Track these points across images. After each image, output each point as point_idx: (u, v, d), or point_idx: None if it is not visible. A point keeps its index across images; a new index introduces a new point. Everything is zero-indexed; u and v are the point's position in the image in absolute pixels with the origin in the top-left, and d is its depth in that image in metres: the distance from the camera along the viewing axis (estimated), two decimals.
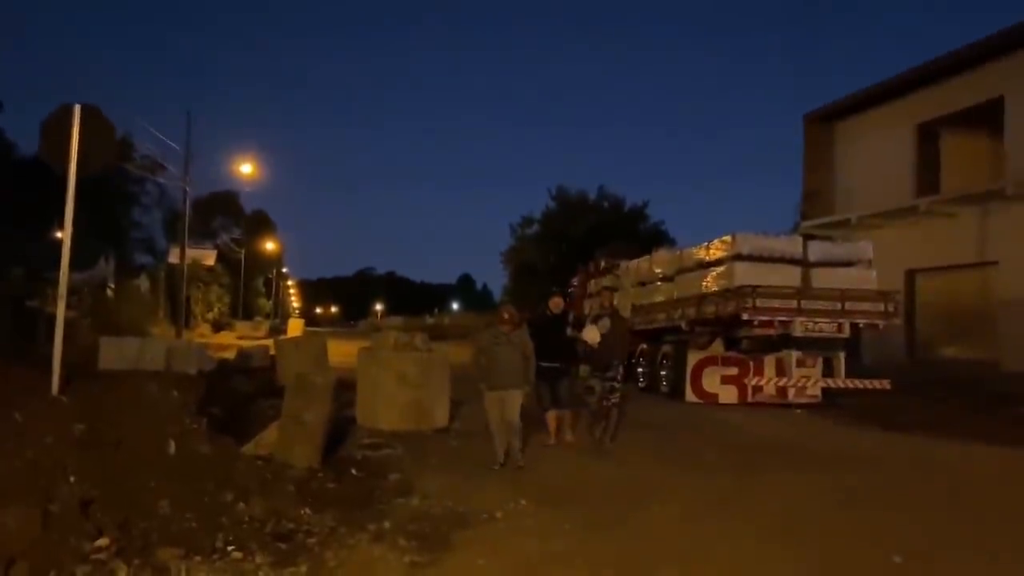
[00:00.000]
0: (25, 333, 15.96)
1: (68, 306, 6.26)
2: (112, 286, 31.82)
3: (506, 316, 7.98)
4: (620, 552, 5.31)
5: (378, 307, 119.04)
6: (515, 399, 7.80)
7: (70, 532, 4.58)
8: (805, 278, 13.90)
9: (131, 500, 5.05)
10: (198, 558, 4.76)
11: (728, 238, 14.26)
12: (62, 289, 6.20)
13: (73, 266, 6.31)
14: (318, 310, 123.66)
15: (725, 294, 13.80)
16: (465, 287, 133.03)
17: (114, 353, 12.31)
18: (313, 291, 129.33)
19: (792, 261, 13.98)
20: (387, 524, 5.75)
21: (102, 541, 4.63)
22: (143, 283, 36.06)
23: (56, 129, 5.72)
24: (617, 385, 8.83)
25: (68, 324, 6.36)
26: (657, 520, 6.12)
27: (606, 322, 8.92)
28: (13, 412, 5.20)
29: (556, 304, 9.45)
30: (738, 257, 13.83)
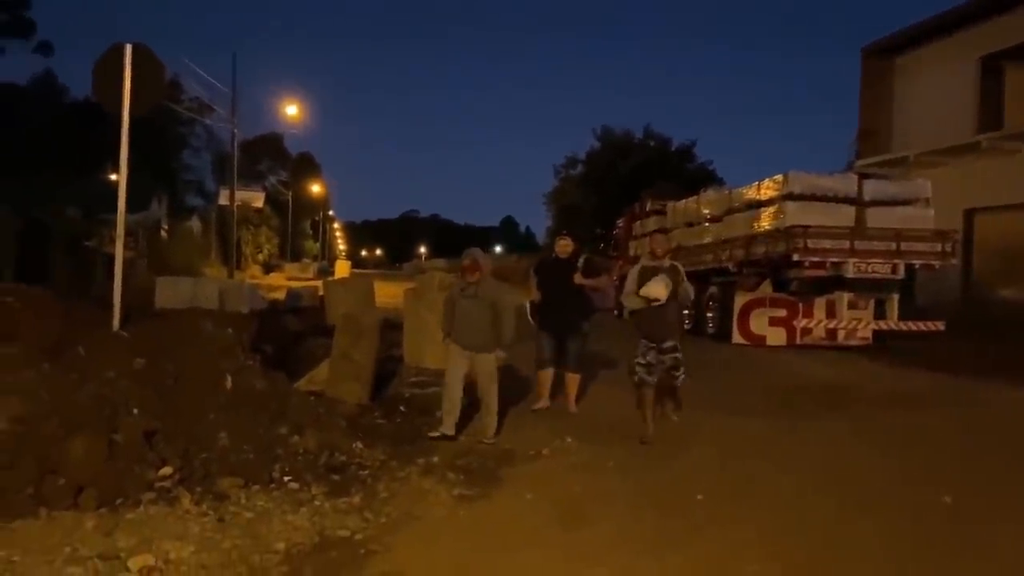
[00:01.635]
0: (83, 272, 16.45)
1: (124, 246, 6.41)
2: (165, 227, 32.56)
3: (467, 263, 6.58)
4: (660, 490, 5.36)
5: (422, 249, 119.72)
6: (486, 364, 6.59)
7: (134, 461, 4.78)
8: (859, 218, 13.56)
9: (191, 432, 5.24)
10: (256, 487, 4.95)
11: (779, 177, 13.93)
12: (120, 229, 6.35)
13: (128, 207, 6.43)
14: (363, 252, 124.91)
15: (775, 234, 13.56)
16: (508, 229, 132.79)
17: (170, 292, 12.65)
18: (358, 233, 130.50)
19: (846, 200, 13.63)
20: (435, 459, 5.89)
21: (165, 470, 4.83)
22: (195, 225, 36.84)
23: (108, 69, 5.78)
24: (681, 358, 6.91)
25: (125, 263, 6.52)
26: (699, 460, 6.14)
27: (665, 278, 6.70)
28: (77, 347, 5.39)
29: (564, 248, 7.77)
30: (789, 196, 13.53)
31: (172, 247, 29.35)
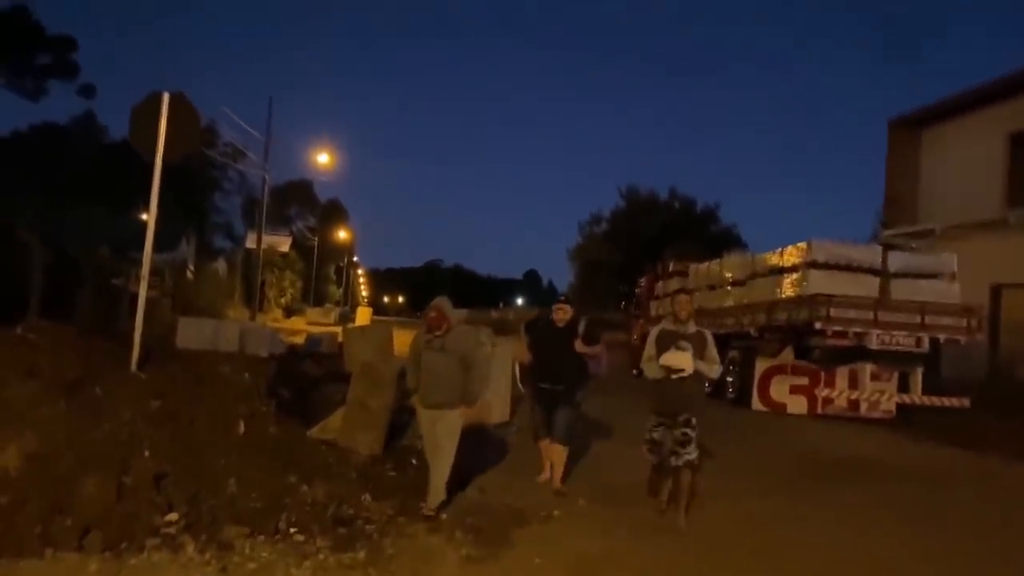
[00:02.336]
0: (108, 309, 16.65)
1: (150, 286, 6.51)
2: (192, 268, 33.00)
3: (432, 315, 5.96)
4: (674, 557, 5.23)
5: None
6: (450, 422, 5.93)
7: (142, 505, 4.77)
8: (884, 289, 13.44)
9: (201, 477, 5.22)
10: (261, 537, 4.89)
11: (803, 244, 13.89)
12: (145, 270, 6.45)
13: (156, 247, 6.54)
14: (385, 299, 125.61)
15: (798, 301, 13.46)
16: (531, 282, 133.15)
17: (191, 333, 12.74)
18: (382, 280, 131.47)
19: (870, 271, 13.54)
20: (444, 516, 5.80)
21: (172, 516, 4.80)
22: (221, 266, 37.31)
23: (145, 115, 5.95)
24: (692, 435, 5.99)
25: (149, 303, 6.61)
26: (714, 527, 6.01)
27: (690, 346, 5.99)
28: (95, 386, 5.43)
29: (562, 314, 7.05)
30: (813, 264, 13.47)
31: (197, 288, 29.70)
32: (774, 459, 9.20)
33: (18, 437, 4.79)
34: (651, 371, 6.08)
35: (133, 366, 5.89)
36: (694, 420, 5.98)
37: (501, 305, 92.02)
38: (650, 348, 6.15)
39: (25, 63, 38.05)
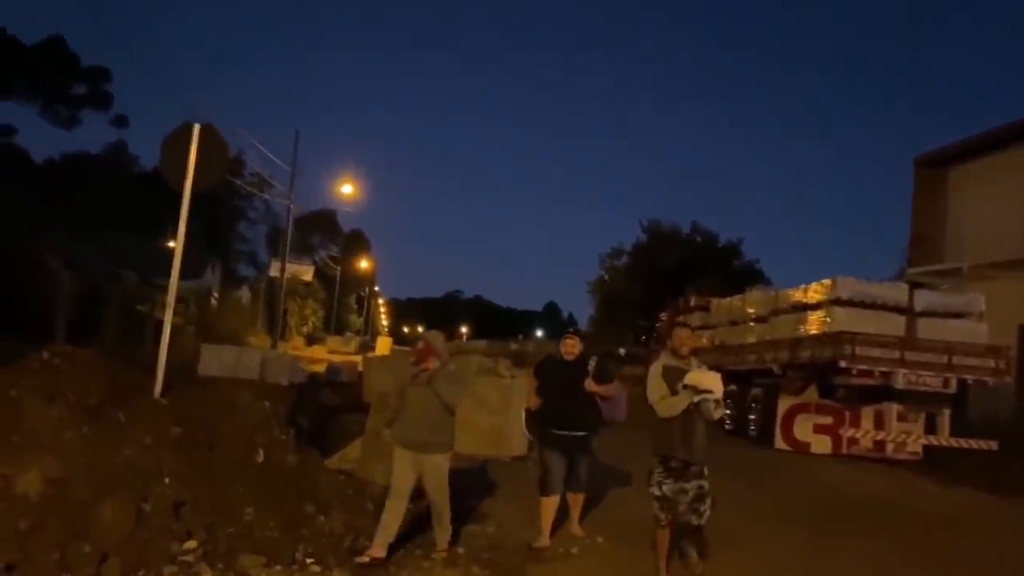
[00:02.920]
0: (133, 335, 16.85)
1: (175, 313, 6.58)
2: (216, 295, 33.34)
3: (421, 347, 5.65)
4: None
5: (464, 330, 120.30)
6: (437, 468, 5.53)
7: (161, 532, 4.77)
8: (910, 328, 13.25)
9: (219, 505, 5.22)
10: (278, 567, 4.88)
11: (828, 281, 13.77)
12: (171, 297, 6.52)
13: (182, 274, 6.62)
14: (405, 329, 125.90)
15: (822, 339, 13.31)
16: (550, 315, 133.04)
17: (214, 360, 12.87)
18: (402, 310, 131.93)
19: (896, 309, 13.37)
20: (461, 550, 5.75)
21: (190, 544, 4.80)
22: (244, 294, 37.70)
23: (175, 146, 6.07)
24: (707, 487, 5.28)
25: (173, 330, 6.67)
26: (733, 569, 5.89)
27: (718, 378, 5.30)
28: (117, 411, 5.46)
29: (571, 348, 6.35)
30: (838, 302, 13.33)
31: (221, 315, 30.01)
32: (796, 501, 9.03)
33: (40, 461, 4.81)
34: (668, 408, 5.16)
35: (156, 392, 5.92)
36: (706, 470, 5.26)
37: (520, 337, 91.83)
38: (659, 386, 5.27)
39: (60, 93, 39.02)
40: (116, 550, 4.53)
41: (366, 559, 5.19)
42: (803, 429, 13.67)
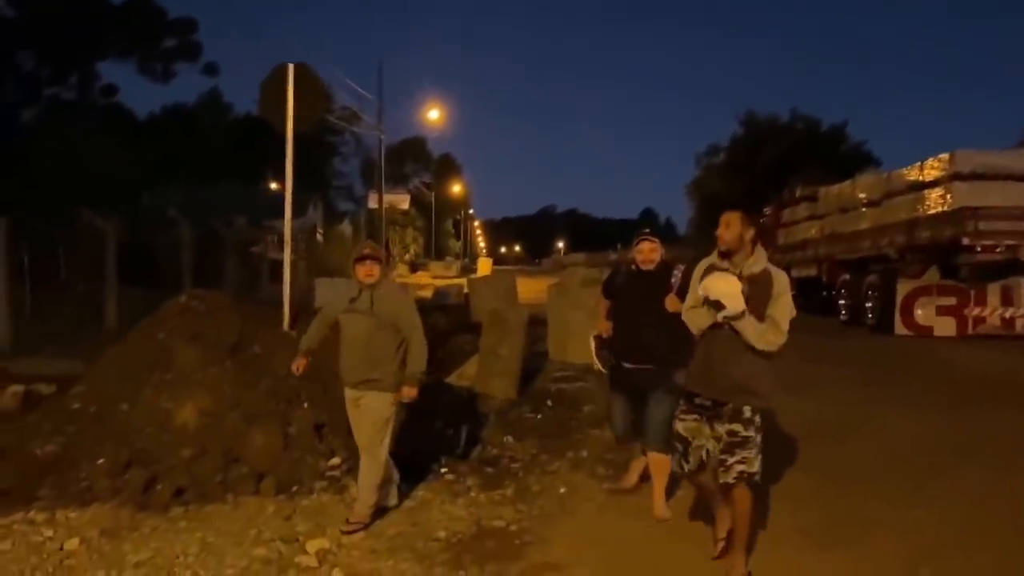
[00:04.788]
0: (250, 276, 17.75)
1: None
2: (321, 231, 34.50)
3: (367, 251, 4.54)
4: (819, 489, 5.13)
5: (560, 244, 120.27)
6: (374, 410, 4.44)
7: (307, 451, 5.16)
8: None
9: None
10: (415, 478, 5.20)
11: (945, 156, 12.99)
12: (287, 235, 6.85)
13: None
14: (503, 249, 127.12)
15: (941, 218, 12.68)
16: (647, 222, 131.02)
17: (328, 292, 13.40)
18: (497, 230, 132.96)
19: (1022, 178, 12.50)
20: (584, 453, 5.94)
21: (334, 460, 5.18)
22: (346, 228, 38.80)
23: (273, 89, 6.25)
24: (750, 435, 3.68)
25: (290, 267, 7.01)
26: (861, 458, 5.84)
27: (735, 282, 3.63)
28: (252, 347, 5.86)
29: (649, 253, 4.71)
30: (957, 176, 12.60)
31: (327, 250, 31.08)
32: (919, 386, 8.78)
33: (193, 396, 5.25)
34: (690, 322, 3.85)
35: (285, 325, 6.29)
36: (750, 412, 3.67)
37: (619, 247, 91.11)
38: (692, 291, 3.87)
39: (153, 48, 40.36)
40: (270, 470, 4.93)
41: (356, 526, 4.32)
42: (925, 312, 13.20)
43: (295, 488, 4.87)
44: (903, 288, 13.35)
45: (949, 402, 7.78)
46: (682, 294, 4.24)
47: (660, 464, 4.62)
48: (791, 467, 5.54)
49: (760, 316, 3.59)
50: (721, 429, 3.68)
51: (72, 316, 11.85)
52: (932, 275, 13.43)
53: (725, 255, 3.71)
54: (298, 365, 4.70)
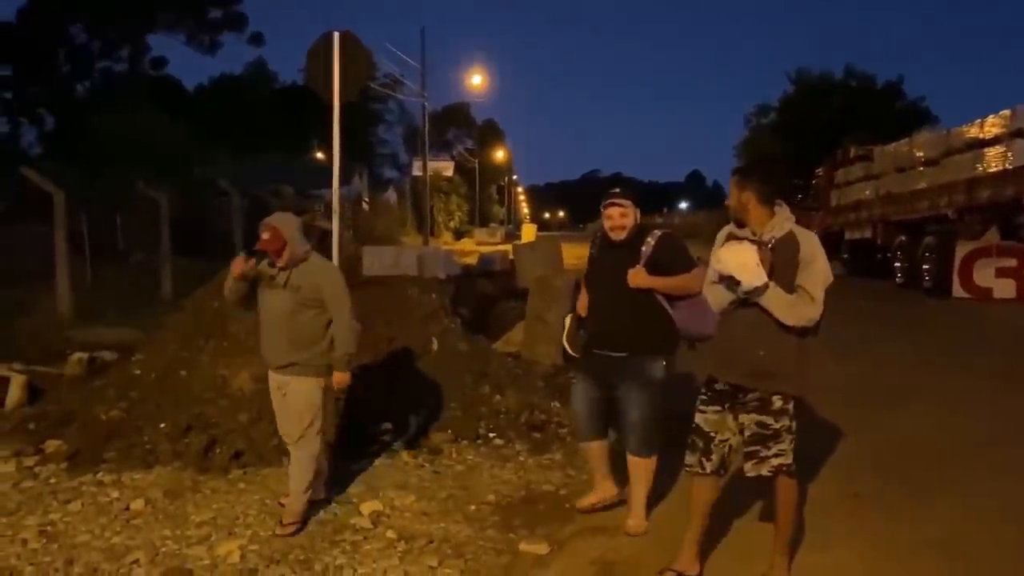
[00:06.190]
0: None
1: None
2: (367, 200, 34.76)
3: (266, 236, 3.93)
4: (875, 455, 5.06)
5: None
6: (299, 395, 4.04)
7: (360, 417, 5.26)
8: None
9: (405, 391, 5.66)
10: (465, 442, 5.28)
11: (1007, 112, 12.49)
12: (335, 204, 6.92)
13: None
14: (546, 215, 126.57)
15: (1003, 176, 12.23)
16: (694, 184, 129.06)
17: (375, 260, 13.52)
18: (541, 196, 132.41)
19: None
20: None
21: (386, 425, 5.28)
22: (391, 196, 39.01)
23: (320, 57, 6.27)
24: (780, 425, 3.23)
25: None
26: (916, 423, 5.74)
27: (751, 251, 3.17)
28: None
29: (619, 219, 3.91)
30: (1019, 134, 12.10)
31: (373, 218, 31.34)
32: (978, 350, 8.56)
33: (247, 363, 5.38)
34: (715, 297, 3.35)
35: None
36: (780, 401, 3.23)
37: (665, 210, 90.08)
38: (714, 261, 3.35)
39: (199, 20, 40.79)
40: (324, 435, 5.04)
41: (285, 533, 3.91)
42: (984, 274, 12.82)
43: (349, 451, 4.98)
44: (962, 249, 12.96)
45: (1005, 366, 7.57)
46: (653, 266, 3.78)
47: (639, 469, 3.95)
48: (841, 435, 5.47)
49: (788, 287, 3.13)
50: (747, 419, 3.25)
51: (130, 285, 12.22)
52: (992, 236, 12.99)
53: (740, 224, 3.30)
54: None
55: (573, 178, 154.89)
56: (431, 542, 3.80)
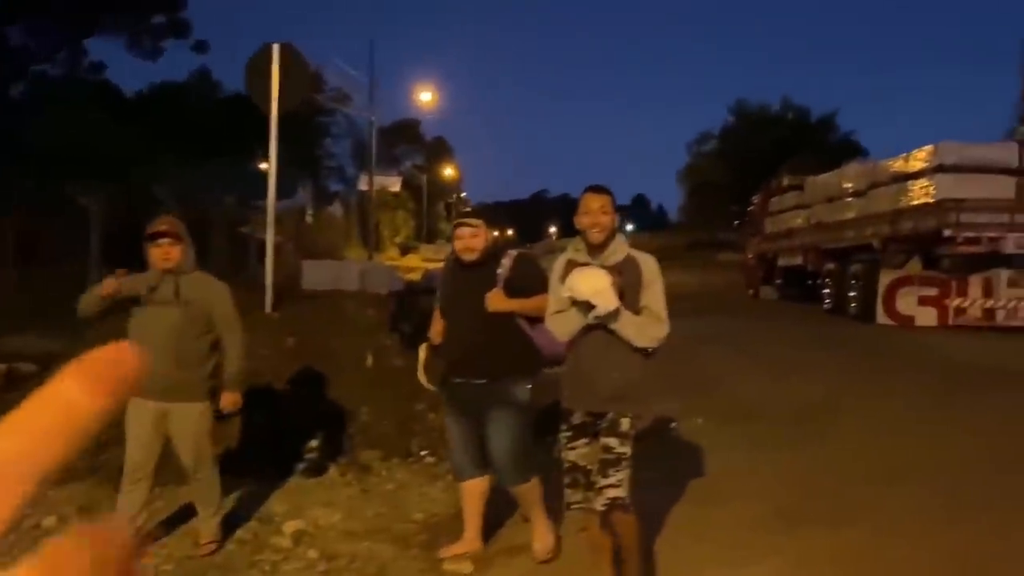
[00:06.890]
0: (238, 257, 17.72)
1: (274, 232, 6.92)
2: (310, 213, 34.38)
3: (163, 228, 3.77)
4: (798, 471, 5.20)
5: (552, 229, 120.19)
6: (187, 423, 3.77)
7: (288, 433, 5.20)
8: (1021, 189, 12.50)
9: (336, 406, 5.62)
10: (396, 460, 5.26)
11: (929, 148, 13.07)
12: (270, 217, 6.85)
13: (277, 195, 6.92)
14: (495, 233, 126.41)
15: (925, 209, 12.77)
16: (639, 208, 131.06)
17: (315, 275, 13.44)
18: (489, 214, 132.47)
19: (1005, 171, 12.61)
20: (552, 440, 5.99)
21: (314, 442, 5.22)
22: (337, 210, 38.69)
23: (258, 69, 6.24)
24: (620, 450, 3.15)
25: (275, 248, 7.03)
26: (841, 442, 5.91)
27: (603, 276, 3.15)
28: None
29: (469, 240, 3.80)
30: (941, 168, 12.67)
31: (316, 232, 31.02)
32: (902, 372, 8.88)
33: None
34: (558, 328, 3.28)
35: (267, 307, 6.33)
36: (628, 424, 3.18)
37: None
38: (554, 293, 3.32)
39: (142, 24, 39.90)
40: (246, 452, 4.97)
41: (207, 552, 3.87)
42: (907, 302, 13.32)
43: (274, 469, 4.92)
44: (885, 278, 13.47)
45: (928, 387, 7.87)
46: (511, 288, 3.65)
47: (524, 496, 3.83)
48: (765, 451, 5.62)
49: (634, 309, 3.15)
50: (602, 442, 3.13)
51: (59, 295, 11.83)
52: (914, 266, 13.55)
53: (594, 246, 3.25)
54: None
55: (522, 197, 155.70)
56: (354, 562, 3.78)
